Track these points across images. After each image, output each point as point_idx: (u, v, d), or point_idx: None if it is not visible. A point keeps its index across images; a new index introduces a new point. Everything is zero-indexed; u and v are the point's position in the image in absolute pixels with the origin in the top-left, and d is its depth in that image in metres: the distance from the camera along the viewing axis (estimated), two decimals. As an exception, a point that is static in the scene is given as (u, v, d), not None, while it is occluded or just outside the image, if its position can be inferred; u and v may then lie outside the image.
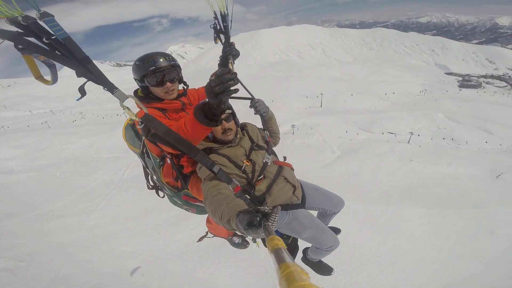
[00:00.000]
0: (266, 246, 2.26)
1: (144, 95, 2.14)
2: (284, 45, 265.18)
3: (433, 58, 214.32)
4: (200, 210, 2.61)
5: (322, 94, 59.78)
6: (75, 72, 1.35)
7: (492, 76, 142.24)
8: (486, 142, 43.48)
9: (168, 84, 2.05)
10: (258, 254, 10.06)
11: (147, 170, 2.60)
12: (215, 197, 1.65)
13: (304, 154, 29.29)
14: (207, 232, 3.21)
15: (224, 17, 2.40)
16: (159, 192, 2.71)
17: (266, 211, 1.15)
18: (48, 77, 1.52)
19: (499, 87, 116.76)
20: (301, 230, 2.19)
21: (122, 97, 1.51)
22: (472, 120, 51.54)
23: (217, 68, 2.52)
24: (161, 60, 2.00)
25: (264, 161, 2.16)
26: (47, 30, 1.21)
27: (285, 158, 2.55)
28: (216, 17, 2.37)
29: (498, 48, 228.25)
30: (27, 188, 18.47)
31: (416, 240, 13.42)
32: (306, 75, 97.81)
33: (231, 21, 2.46)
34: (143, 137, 2.24)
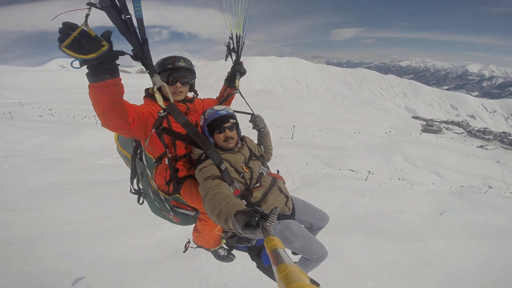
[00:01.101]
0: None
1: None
2: (271, 74, 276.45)
3: (404, 101, 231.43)
4: (185, 220, 2.60)
5: (294, 126, 62.64)
6: (132, 50, 1.51)
7: (452, 122, 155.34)
8: (433, 183, 47.70)
9: (178, 84, 2.14)
10: (200, 271, 10.30)
11: (135, 173, 2.58)
12: (215, 195, 1.67)
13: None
14: (188, 241, 3.11)
15: (238, 38, 2.57)
16: (140, 198, 2.70)
17: (264, 212, 1.15)
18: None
19: (457, 133, 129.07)
20: (293, 239, 2.22)
21: (158, 82, 1.64)
22: (427, 164, 56.29)
23: (223, 83, 2.87)
24: (180, 62, 2.13)
25: (260, 171, 2.30)
26: (126, 9, 1.36)
27: (278, 171, 2.72)
28: (231, 37, 2.53)
29: (462, 95, 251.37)
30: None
31: (358, 269, 13.89)
32: (285, 106, 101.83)
33: (244, 42, 2.63)
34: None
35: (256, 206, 2.10)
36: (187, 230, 2.89)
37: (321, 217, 2.68)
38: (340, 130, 74.32)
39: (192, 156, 2.25)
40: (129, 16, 1.38)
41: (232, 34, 2.54)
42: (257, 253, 2.60)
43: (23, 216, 12.42)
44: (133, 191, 2.65)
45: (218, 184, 1.80)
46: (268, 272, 2.60)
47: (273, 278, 2.30)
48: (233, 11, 2.33)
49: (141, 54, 1.51)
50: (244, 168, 2.18)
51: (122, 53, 1.43)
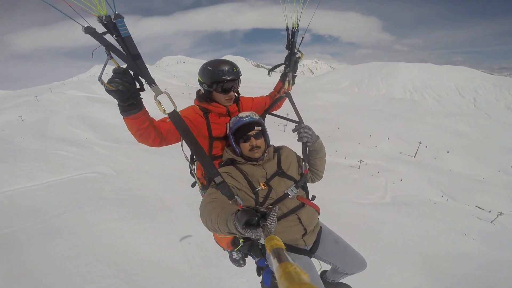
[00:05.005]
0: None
1: (202, 96, 2.26)
2: (421, 83, 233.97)
3: None
4: None
5: (420, 143, 53.43)
6: (127, 65, 1.58)
7: None
8: None
9: (232, 93, 2.19)
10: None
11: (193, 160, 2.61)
12: (210, 203, 1.61)
13: (352, 186, 27.88)
14: None
15: (293, 33, 2.42)
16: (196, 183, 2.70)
17: (265, 211, 1.16)
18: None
19: None
20: None
21: (157, 92, 1.68)
22: None
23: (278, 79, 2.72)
24: (233, 70, 2.11)
25: (285, 191, 1.98)
26: (116, 29, 1.45)
27: (314, 197, 2.28)
28: (288, 28, 2.39)
29: None
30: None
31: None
32: (425, 120, 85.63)
33: (302, 38, 2.50)
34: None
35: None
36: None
37: (352, 264, 2.23)
38: (493, 161, 55.93)
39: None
40: (120, 36, 1.47)
41: (288, 28, 2.38)
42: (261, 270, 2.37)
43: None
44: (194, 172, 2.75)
45: (214, 193, 1.73)
46: None
47: None
48: None
49: (136, 69, 1.59)
50: (261, 184, 1.93)
51: (142, 89, 1.64)
